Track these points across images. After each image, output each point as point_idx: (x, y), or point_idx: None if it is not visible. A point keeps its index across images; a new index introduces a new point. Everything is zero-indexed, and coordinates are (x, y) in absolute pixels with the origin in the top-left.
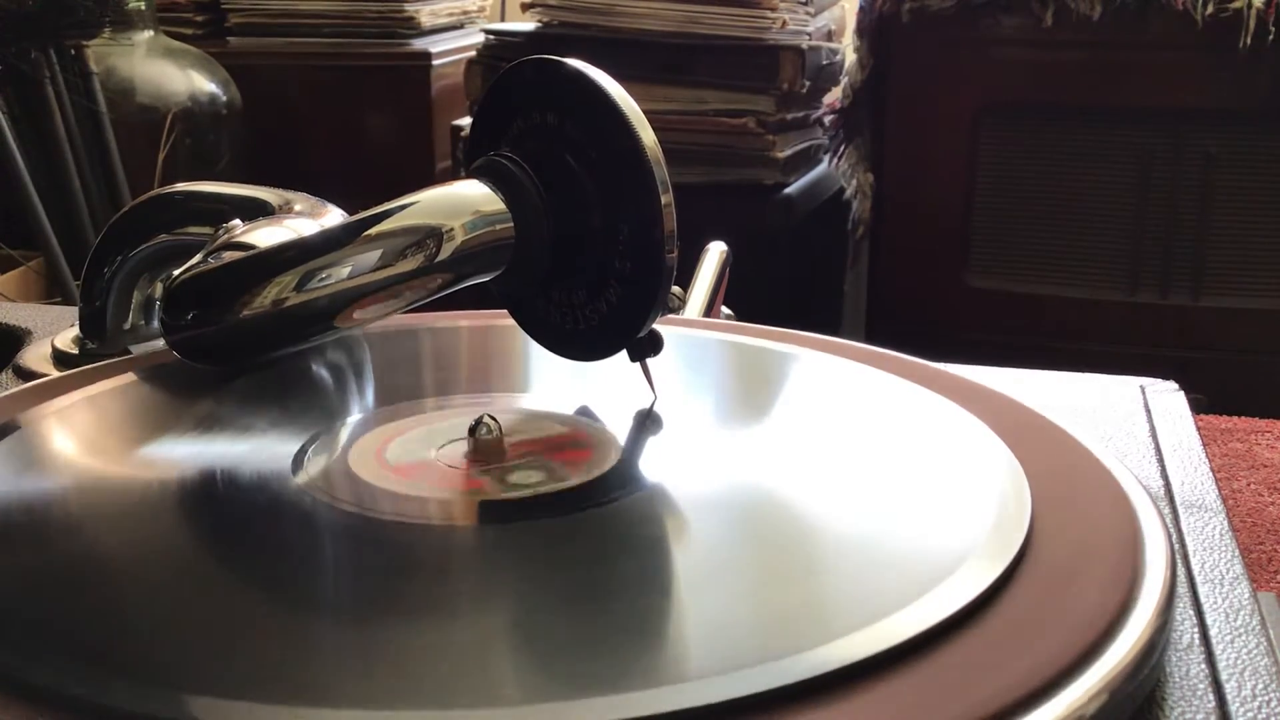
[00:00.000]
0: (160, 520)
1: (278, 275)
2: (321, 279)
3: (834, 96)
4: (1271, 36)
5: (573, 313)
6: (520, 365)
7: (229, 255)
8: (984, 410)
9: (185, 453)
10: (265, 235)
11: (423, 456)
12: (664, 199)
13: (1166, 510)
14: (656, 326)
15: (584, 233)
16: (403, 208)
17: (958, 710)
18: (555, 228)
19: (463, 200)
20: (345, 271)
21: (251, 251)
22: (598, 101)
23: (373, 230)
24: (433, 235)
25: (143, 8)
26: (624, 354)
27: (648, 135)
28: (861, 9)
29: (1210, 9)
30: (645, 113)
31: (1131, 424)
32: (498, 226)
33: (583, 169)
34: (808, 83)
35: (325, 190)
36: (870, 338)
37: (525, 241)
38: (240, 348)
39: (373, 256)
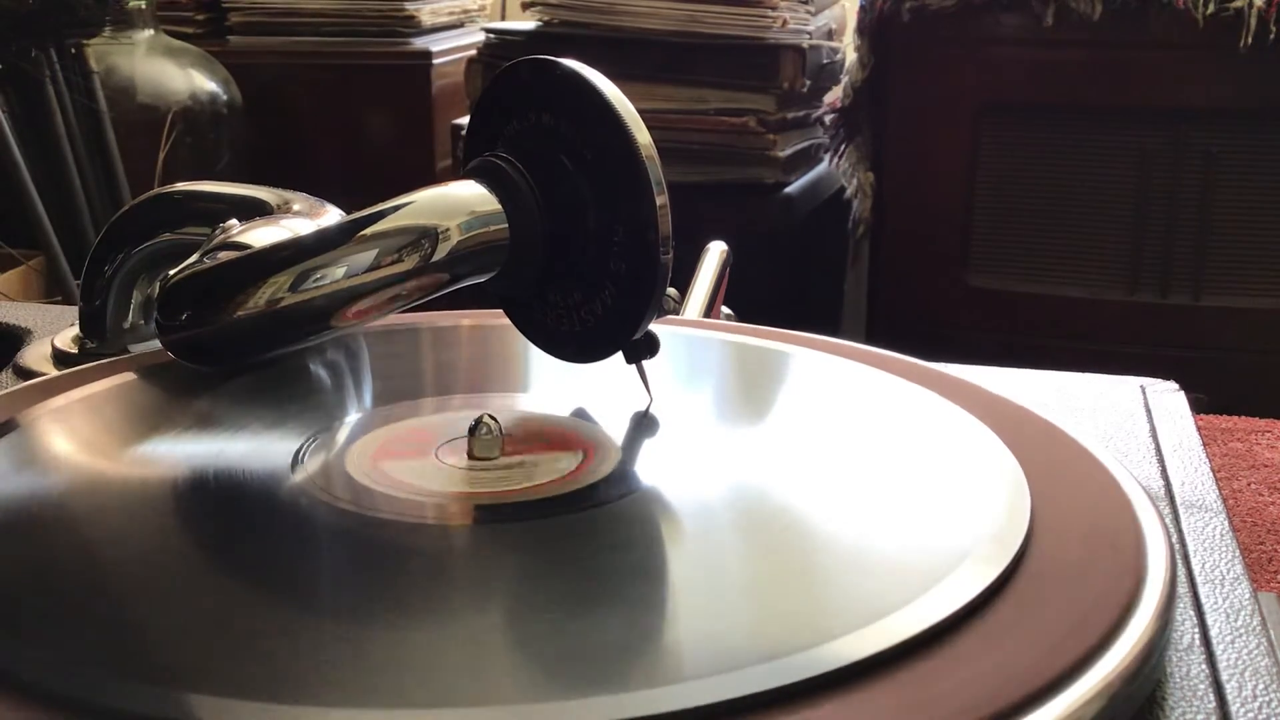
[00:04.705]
0: (159, 520)
1: (272, 275)
2: (316, 279)
3: (834, 95)
4: (1272, 36)
5: (569, 314)
6: (519, 365)
7: (224, 255)
8: (984, 411)
9: (184, 452)
10: (261, 235)
11: (422, 456)
12: (659, 200)
13: (1166, 510)
14: (654, 328)
15: (579, 234)
16: (398, 208)
17: (958, 711)
18: (551, 229)
19: (458, 201)
20: (340, 272)
21: (246, 251)
22: (593, 102)
23: (368, 230)
24: (428, 235)
25: (143, 7)
26: (621, 355)
27: (643, 136)
28: (862, 8)
29: (1211, 8)
30: (646, 112)
31: (1131, 424)
32: (493, 227)
33: (578, 170)
34: (808, 82)
35: (325, 190)
36: (870, 338)
37: (521, 242)
38: (235, 348)
39: (368, 257)
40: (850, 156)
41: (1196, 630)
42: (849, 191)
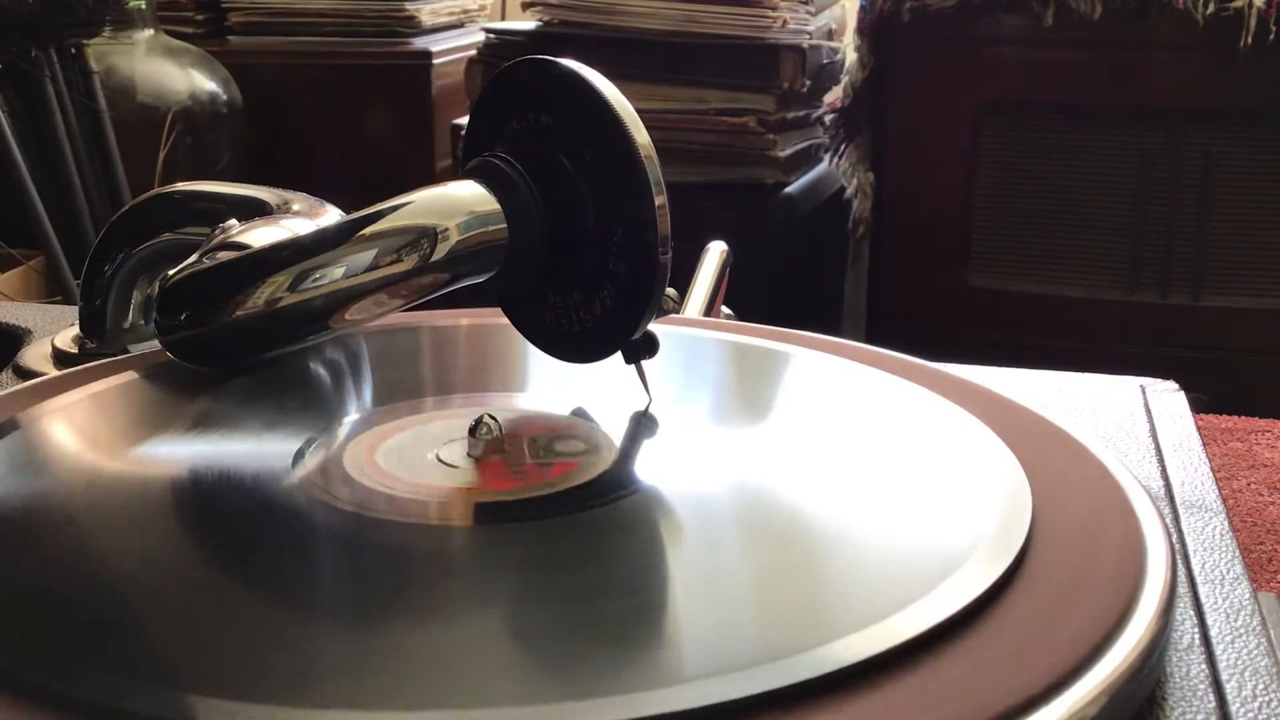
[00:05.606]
0: (159, 520)
1: (271, 275)
2: (315, 279)
3: (834, 95)
4: (1272, 36)
5: (568, 314)
6: (519, 365)
7: (224, 255)
8: (984, 411)
9: (184, 452)
10: (260, 235)
11: (422, 456)
12: (658, 200)
13: (1166, 510)
14: (653, 328)
15: (578, 234)
16: (397, 208)
17: (958, 712)
18: (550, 229)
19: (457, 200)
20: (339, 272)
21: (246, 251)
22: (592, 102)
23: (367, 230)
24: (427, 235)
25: (143, 7)
26: (621, 355)
27: (641, 136)
28: (862, 8)
29: (1211, 8)
30: (646, 112)
31: (1131, 424)
32: (491, 227)
33: (577, 170)
34: (808, 82)
35: (325, 189)
36: (870, 338)
37: (519, 242)
38: (234, 348)
39: (367, 257)
40: (850, 156)
41: (1196, 630)
42: (849, 191)
